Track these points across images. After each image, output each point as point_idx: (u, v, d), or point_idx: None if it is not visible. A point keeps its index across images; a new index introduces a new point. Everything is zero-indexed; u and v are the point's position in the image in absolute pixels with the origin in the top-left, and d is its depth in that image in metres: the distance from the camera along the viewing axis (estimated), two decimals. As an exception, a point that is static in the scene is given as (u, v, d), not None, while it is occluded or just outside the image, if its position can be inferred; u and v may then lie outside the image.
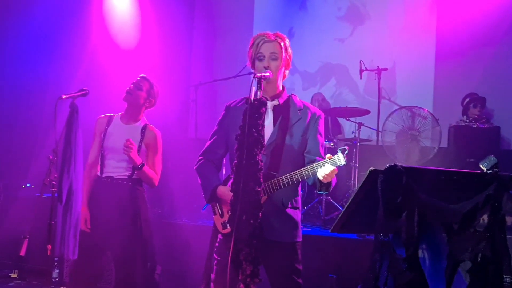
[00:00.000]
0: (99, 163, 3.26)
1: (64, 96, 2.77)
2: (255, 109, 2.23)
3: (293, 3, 6.74)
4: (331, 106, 5.86)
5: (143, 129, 3.29)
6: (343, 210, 1.68)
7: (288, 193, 2.44)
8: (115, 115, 3.37)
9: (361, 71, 5.31)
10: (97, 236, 3.15)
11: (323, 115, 2.54)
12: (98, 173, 3.26)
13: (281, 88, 2.51)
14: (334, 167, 2.18)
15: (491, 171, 1.61)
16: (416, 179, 1.53)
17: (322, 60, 6.58)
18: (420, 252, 1.58)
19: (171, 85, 6.04)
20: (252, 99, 2.24)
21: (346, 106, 5.35)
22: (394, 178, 1.50)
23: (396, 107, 5.59)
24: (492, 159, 1.63)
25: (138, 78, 3.35)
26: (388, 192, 1.51)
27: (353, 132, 5.40)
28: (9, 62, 6.31)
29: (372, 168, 1.51)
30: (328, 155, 2.21)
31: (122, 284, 3.23)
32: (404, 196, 1.50)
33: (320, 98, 5.93)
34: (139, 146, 3.24)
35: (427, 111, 4.79)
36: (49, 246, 2.62)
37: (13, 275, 5.02)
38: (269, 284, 2.48)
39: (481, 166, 1.64)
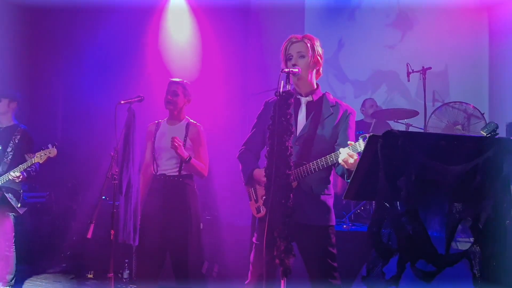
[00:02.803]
0: (153, 163, 3.56)
1: (122, 102, 3.16)
2: (283, 100, 2.44)
3: (342, 14, 6.91)
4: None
5: (187, 126, 3.57)
6: (351, 177, 1.83)
7: (318, 180, 2.60)
8: (162, 120, 3.69)
9: (408, 73, 5.35)
10: (157, 232, 3.41)
11: (354, 112, 2.69)
12: (154, 172, 3.55)
13: (315, 86, 2.70)
14: (354, 152, 2.31)
15: (490, 135, 1.71)
16: (414, 143, 1.65)
17: (372, 68, 6.66)
18: (421, 210, 1.69)
19: (228, 99, 6.40)
20: (280, 91, 2.49)
21: (393, 108, 5.40)
22: (391, 142, 1.65)
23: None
24: (492, 125, 1.74)
25: (170, 84, 3.58)
26: (387, 156, 1.66)
27: (403, 134, 5.40)
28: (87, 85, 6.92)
29: (372, 133, 1.66)
30: (350, 142, 2.38)
31: (180, 277, 3.45)
32: (401, 158, 1.64)
33: (370, 104, 6.03)
34: (185, 141, 3.50)
35: (473, 106, 4.73)
36: (112, 231, 2.97)
37: (89, 276, 5.53)
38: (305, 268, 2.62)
39: (481, 131, 1.75)
